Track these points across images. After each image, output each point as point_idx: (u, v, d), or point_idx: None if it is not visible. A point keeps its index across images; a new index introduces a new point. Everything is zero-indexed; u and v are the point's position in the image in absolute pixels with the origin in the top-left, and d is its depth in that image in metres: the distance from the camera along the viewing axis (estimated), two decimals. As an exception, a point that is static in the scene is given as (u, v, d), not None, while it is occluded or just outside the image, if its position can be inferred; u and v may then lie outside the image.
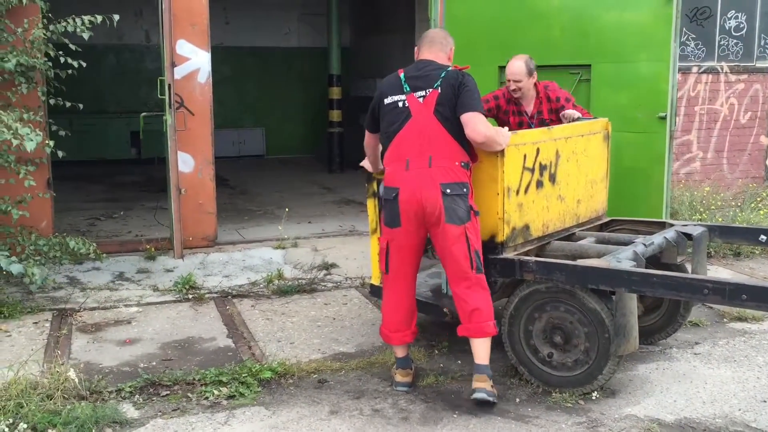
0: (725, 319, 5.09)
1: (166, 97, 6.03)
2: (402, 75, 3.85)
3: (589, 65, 5.82)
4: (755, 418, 3.65)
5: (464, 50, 6.30)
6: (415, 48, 3.99)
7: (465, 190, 3.74)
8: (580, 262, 3.83)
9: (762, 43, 8.74)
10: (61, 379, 3.73)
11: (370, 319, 5.09)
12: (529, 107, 4.98)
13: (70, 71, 5.58)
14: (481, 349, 3.75)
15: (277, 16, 14.22)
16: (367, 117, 4.01)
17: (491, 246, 4.00)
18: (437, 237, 3.76)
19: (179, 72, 6.34)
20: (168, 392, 3.90)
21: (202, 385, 3.96)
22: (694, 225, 4.56)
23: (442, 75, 3.75)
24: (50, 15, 5.62)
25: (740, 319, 5.07)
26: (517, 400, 3.83)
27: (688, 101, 8.43)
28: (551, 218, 4.40)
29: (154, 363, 4.33)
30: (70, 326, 4.90)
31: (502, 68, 5.38)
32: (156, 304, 5.40)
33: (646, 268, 3.88)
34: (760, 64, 8.77)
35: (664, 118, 5.62)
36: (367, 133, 4.11)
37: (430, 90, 3.74)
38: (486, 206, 3.95)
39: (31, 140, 4.66)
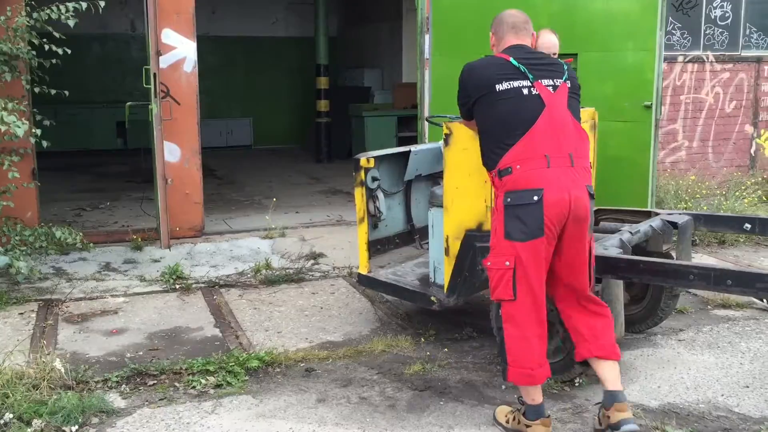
0: (709, 306, 5.13)
1: (152, 87, 5.99)
2: (513, 60, 3.30)
3: (576, 54, 5.84)
4: (738, 403, 3.69)
5: (451, 38, 6.34)
6: (491, 35, 3.54)
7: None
8: (566, 249, 3.85)
9: (747, 32, 8.78)
10: (47, 369, 3.72)
11: (358, 309, 5.10)
12: None
13: (54, 60, 5.53)
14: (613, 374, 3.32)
15: (264, 5, 14.13)
16: (464, 104, 3.44)
17: (478, 234, 4.01)
18: (567, 247, 3.24)
19: (165, 61, 6.30)
20: (155, 382, 3.90)
21: (189, 374, 3.96)
22: (680, 214, 4.58)
23: (566, 67, 3.41)
24: (33, 2, 5.56)
25: (724, 305, 5.11)
26: (503, 387, 3.85)
27: (674, 90, 8.47)
28: (538, 206, 4.40)
29: (141, 353, 4.32)
30: (56, 317, 4.88)
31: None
32: (143, 294, 5.39)
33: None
34: (745, 53, 8.80)
35: (649, 107, 5.65)
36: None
37: (560, 81, 3.33)
38: (474, 194, 3.95)
39: (18, 126, 4.63)
